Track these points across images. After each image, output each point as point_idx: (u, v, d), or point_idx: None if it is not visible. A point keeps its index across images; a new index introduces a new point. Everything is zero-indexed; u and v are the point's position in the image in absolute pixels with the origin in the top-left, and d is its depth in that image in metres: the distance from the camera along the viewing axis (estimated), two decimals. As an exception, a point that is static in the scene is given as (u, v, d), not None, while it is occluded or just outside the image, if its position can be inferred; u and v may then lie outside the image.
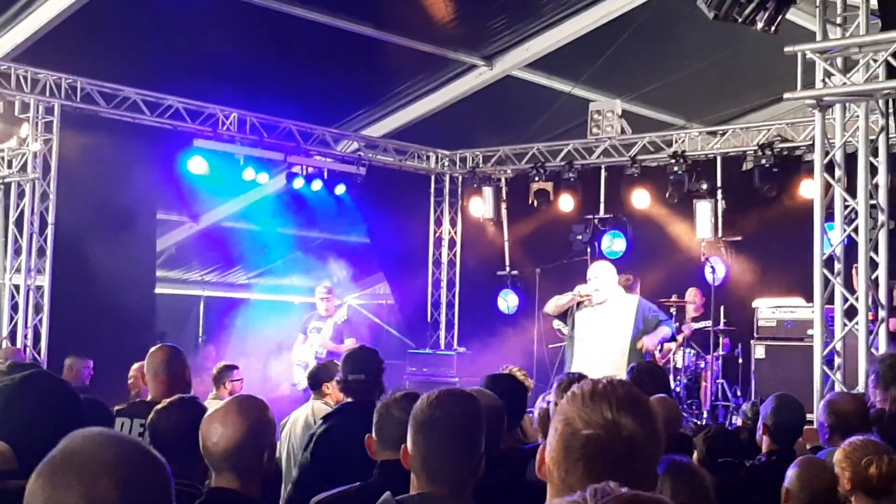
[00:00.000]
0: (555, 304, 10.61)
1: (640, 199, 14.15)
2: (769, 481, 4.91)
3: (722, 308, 12.74)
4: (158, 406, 4.14)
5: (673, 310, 12.96)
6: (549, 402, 5.64)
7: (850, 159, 9.34)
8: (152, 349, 6.13)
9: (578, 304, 10.31)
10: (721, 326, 12.74)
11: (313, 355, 12.27)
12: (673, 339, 11.93)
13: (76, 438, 1.90)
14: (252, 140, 13.62)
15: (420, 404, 3.18)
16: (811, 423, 6.36)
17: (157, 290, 13.61)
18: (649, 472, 2.14)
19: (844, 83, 9.01)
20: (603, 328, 10.19)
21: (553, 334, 13.28)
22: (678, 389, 12.11)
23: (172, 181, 13.31)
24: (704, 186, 13.65)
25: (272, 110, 13.78)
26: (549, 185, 14.85)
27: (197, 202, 14.51)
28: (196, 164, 13.02)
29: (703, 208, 13.55)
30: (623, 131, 14.37)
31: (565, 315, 10.52)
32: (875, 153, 9.26)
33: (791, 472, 4.30)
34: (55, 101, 11.86)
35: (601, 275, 10.33)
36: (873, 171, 9.22)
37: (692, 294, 13.43)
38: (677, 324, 12.48)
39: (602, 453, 2.08)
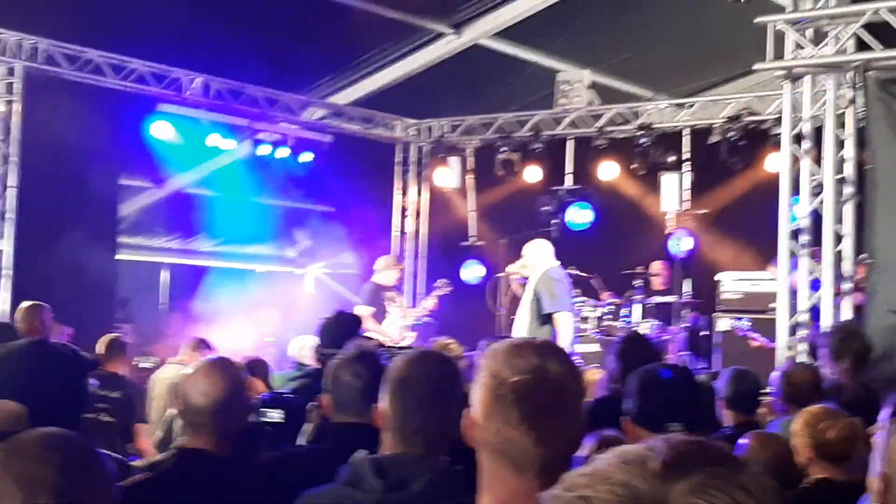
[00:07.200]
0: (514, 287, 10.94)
1: (607, 170, 14.10)
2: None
3: (690, 281, 12.77)
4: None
5: (638, 282, 12.98)
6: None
7: (817, 133, 9.37)
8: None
9: (524, 283, 10.56)
10: (684, 299, 12.77)
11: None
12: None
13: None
14: (217, 105, 13.47)
15: (396, 363, 3.13)
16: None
17: (120, 257, 13.47)
18: (578, 415, 2.22)
19: (814, 55, 9.02)
20: (521, 306, 10.44)
21: (516, 305, 13.31)
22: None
23: (136, 146, 13.16)
24: (671, 159, 13.65)
25: (238, 76, 13.61)
26: (515, 156, 14.77)
27: (161, 167, 14.36)
28: (160, 129, 12.89)
29: (669, 181, 13.56)
30: (591, 102, 14.33)
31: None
32: (842, 127, 9.29)
33: (743, 447, 4.29)
34: (17, 63, 11.64)
35: (527, 252, 10.61)
36: (840, 144, 9.26)
37: (657, 267, 13.45)
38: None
39: (534, 395, 2.13)
